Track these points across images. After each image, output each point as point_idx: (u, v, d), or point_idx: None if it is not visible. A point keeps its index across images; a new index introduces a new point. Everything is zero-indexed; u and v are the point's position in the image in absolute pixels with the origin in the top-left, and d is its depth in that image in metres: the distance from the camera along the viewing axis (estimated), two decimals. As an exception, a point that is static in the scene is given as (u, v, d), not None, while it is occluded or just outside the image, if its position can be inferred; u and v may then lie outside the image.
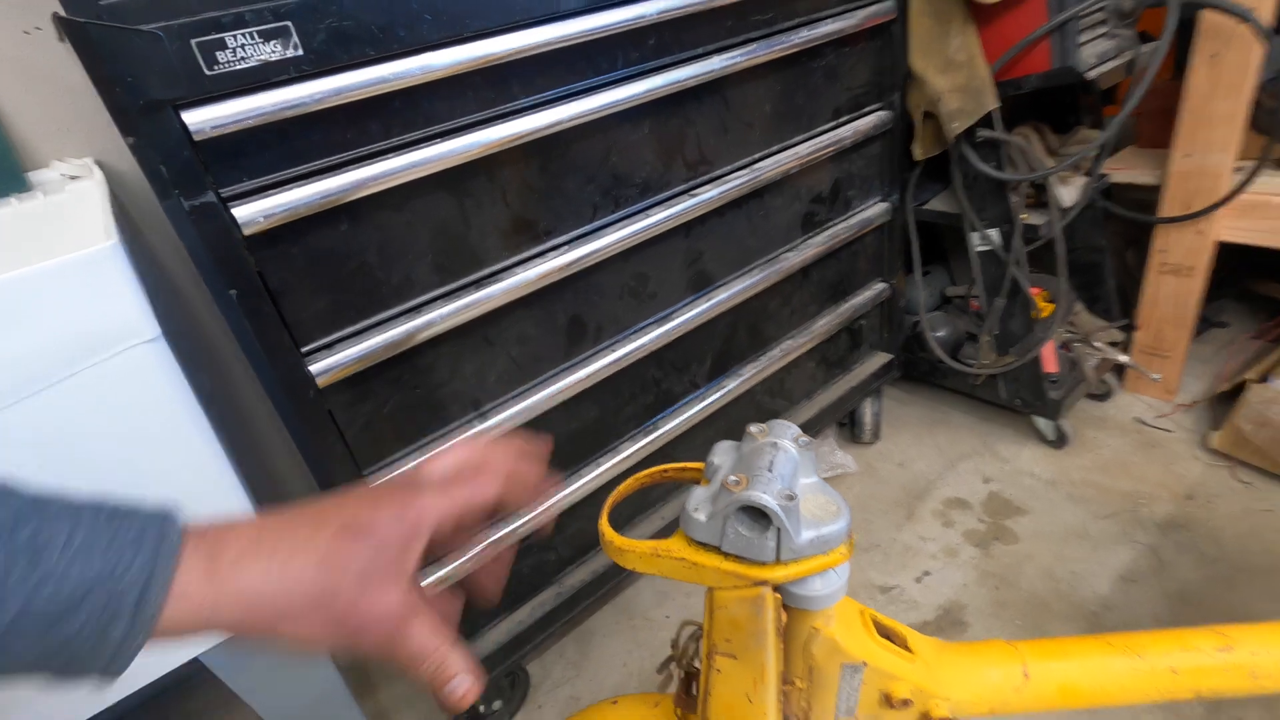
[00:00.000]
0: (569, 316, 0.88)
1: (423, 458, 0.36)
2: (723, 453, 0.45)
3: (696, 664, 0.56)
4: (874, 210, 1.22)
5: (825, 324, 1.23)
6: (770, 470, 0.41)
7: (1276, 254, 1.36)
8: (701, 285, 1.02)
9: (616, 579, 1.07)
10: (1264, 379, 1.22)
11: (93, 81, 0.52)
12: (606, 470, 0.99)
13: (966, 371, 1.35)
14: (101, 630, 0.25)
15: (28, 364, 0.48)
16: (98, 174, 0.85)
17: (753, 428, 0.45)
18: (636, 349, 0.95)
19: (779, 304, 1.15)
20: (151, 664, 0.61)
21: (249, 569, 0.28)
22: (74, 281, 0.48)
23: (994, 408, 1.47)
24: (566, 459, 0.96)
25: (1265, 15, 1.05)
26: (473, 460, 0.38)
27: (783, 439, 0.44)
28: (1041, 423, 1.36)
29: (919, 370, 1.48)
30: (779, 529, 0.39)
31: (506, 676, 1.04)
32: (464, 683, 0.32)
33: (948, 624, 1.07)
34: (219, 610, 0.27)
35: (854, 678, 0.47)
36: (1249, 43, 1.08)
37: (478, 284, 0.78)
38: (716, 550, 0.41)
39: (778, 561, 0.40)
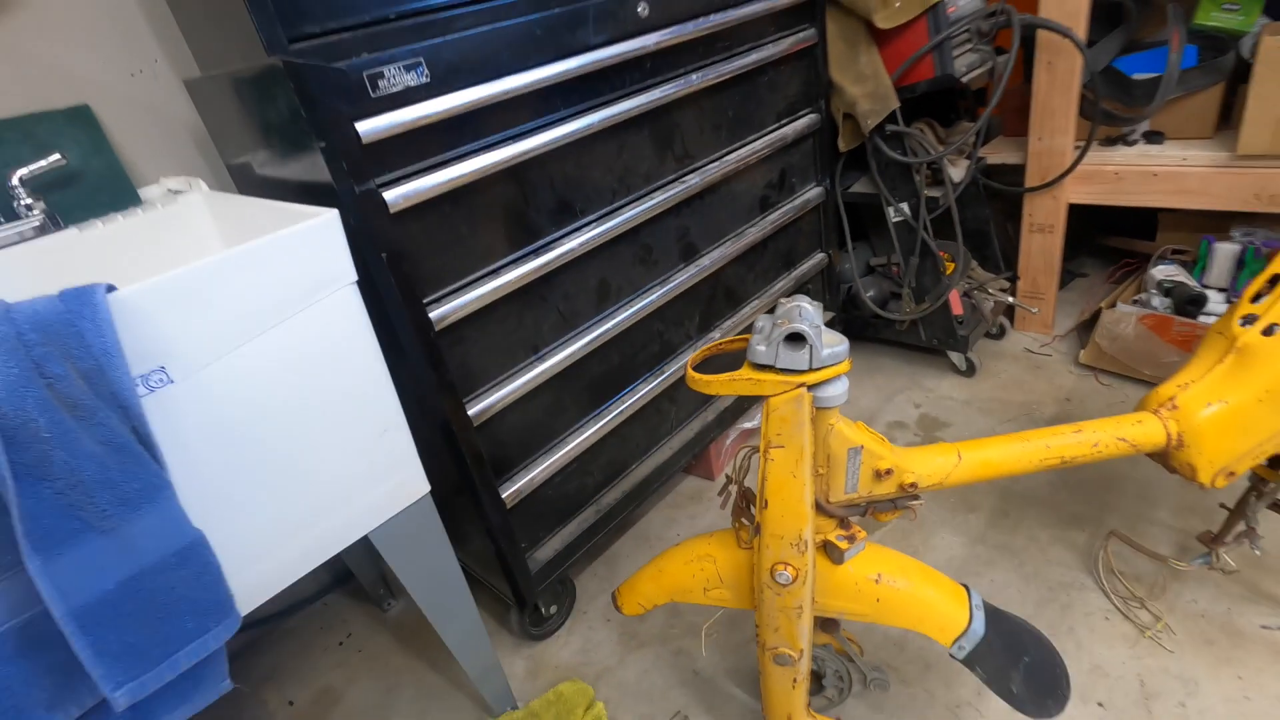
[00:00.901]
0: (598, 279, 1.13)
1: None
2: (763, 318, 0.71)
3: (747, 483, 0.82)
4: (812, 193, 1.53)
5: (781, 287, 1.51)
6: (800, 315, 0.67)
7: (1116, 213, 1.75)
8: (690, 255, 1.28)
9: (639, 501, 1.30)
10: (1113, 306, 1.59)
11: (300, 102, 0.73)
12: (628, 407, 1.23)
13: (894, 319, 1.67)
14: None
15: (286, 292, 0.68)
16: (203, 187, 1.04)
17: (782, 299, 0.71)
18: (646, 305, 1.20)
19: (746, 270, 1.43)
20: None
21: None
22: (316, 237, 0.69)
23: (917, 351, 1.80)
24: (599, 397, 1.20)
25: (1081, 32, 1.43)
26: None
27: (802, 301, 0.70)
28: (954, 356, 1.69)
29: (855, 327, 1.79)
30: (811, 346, 0.65)
31: (560, 584, 1.25)
32: None
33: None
34: None
35: (856, 459, 0.74)
36: (1073, 53, 1.45)
37: (535, 252, 1.01)
38: (771, 368, 0.67)
39: (810, 370, 0.66)
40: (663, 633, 1.21)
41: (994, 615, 0.80)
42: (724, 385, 0.69)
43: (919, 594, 0.79)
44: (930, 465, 0.77)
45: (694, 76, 1.16)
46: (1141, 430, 0.82)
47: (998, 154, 1.72)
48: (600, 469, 1.25)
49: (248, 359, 0.68)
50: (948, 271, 1.61)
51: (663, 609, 1.25)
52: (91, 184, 0.99)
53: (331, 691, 1.24)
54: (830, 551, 0.78)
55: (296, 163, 0.84)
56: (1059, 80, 1.50)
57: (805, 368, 0.66)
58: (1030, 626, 0.82)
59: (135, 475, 0.58)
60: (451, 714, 1.15)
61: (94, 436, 0.56)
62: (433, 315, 0.90)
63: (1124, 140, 1.58)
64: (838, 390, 0.69)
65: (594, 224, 1.08)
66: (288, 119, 0.79)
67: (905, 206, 1.55)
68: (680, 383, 1.33)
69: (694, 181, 1.22)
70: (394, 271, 0.84)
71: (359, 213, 0.80)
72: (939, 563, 1.23)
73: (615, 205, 1.12)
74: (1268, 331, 0.80)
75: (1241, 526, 0.98)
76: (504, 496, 1.05)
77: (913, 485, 0.75)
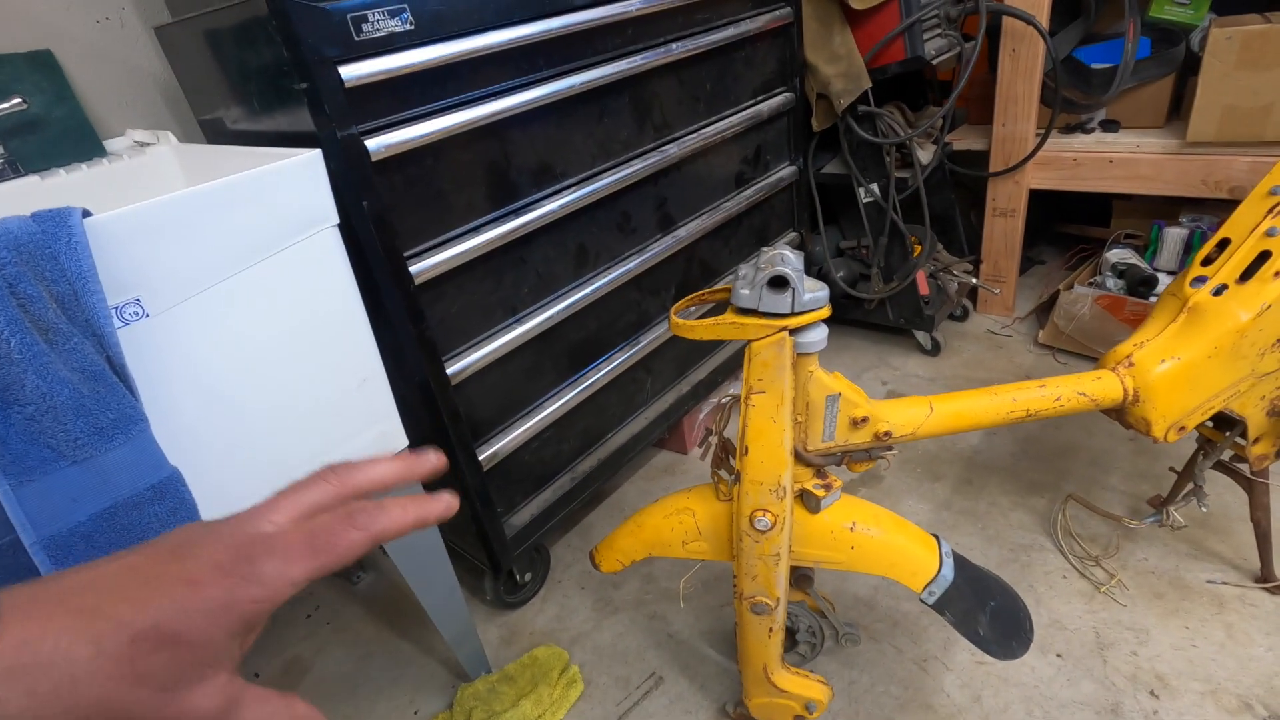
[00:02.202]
0: (577, 244, 1.13)
1: (276, 500, 0.31)
2: (746, 265, 0.72)
3: (727, 434, 0.83)
4: (785, 171, 1.56)
5: (755, 263, 1.53)
6: (783, 261, 0.69)
7: (1073, 201, 1.81)
8: (667, 225, 1.29)
9: (614, 470, 1.31)
10: (1070, 288, 1.66)
11: (283, 41, 0.72)
12: (605, 374, 1.23)
13: (863, 299, 1.71)
14: None
15: (266, 230, 0.67)
16: (172, 140, 1.01)
17: (764, 248, 0.73)
18: (624, 273, 1.21)
19: (721, 244, 1.44)
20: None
21: (14, 683, 0.22)
22: (298, 175, 0.68)
23: (885, 331, 1.84)
24: (576, 363, 1.20)
25: (1044, 20, 1.48)
26: (339, 496, 0.31)
27: (784, 249, 0.71)
28: (920, 336, 1.74)
29: (825, 307, 1.82)
30: (793, 289, 0.67)
31: (536, 551, 1.25)
32: None
33: (869, 478, 1.40)
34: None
35: (833, 407, 0.76)
36: (1036, 40, 1.51)
37: (515, 212, 1.01)
38: (755, 312, 0.69)
39: (793, 313, 0.68)
40: (638, 598, 1.22)
41: (961, 563, 0.83)
42: (708, 330, 0.70)
43: (892, 541, 0.81)
44: (904, 415, 0.80)
45: (674, 46, 1.17)
46: (1101, 386, 0.86)
47: (964, 140, 1.77)
48: (577, 436, 1.25)
49: (225, 297, 0.66)
50: (915, 253, 1.66)
51: (638, 574, 1.26)
52: (54, 132, 0.96)
53: (300, 662, 1.22)
54: (807, 500, 0.80)
55: (276, 110, 0.82)
56: (1022, 68, 1.55)
57: (788, 311, 0.68)
58: (994, 575, 0.85)
59: (109, 404, 0.57)
60: (425, 680, 1.14)
61: (68, 362, 0.55)
62: (413, 269, 0.89)
63: (1082, 128, 1.64)
64: (818, 336, 0.71)
65: (574, 187, 1.08)
66: (267, 61, 0.78)
67: (875, 188, 1.58)
68: (656, 353, 1.35)
69: (672, 152, 1.23)
70: (375, 221, 0.83)
71: (342, 159, 0.79)
72: (906, 528, 1.27)
73: (595, 170, 1.12)
74: (1216, 292, 0.84)
75: (1189, 486, 1.03)
76: (480, 459, 1.05)
77: (887, 434, 0.78)
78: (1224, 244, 0.87)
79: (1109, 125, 1.62)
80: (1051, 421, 1.45)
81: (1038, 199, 1.73)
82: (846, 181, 1.63)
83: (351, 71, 0.77)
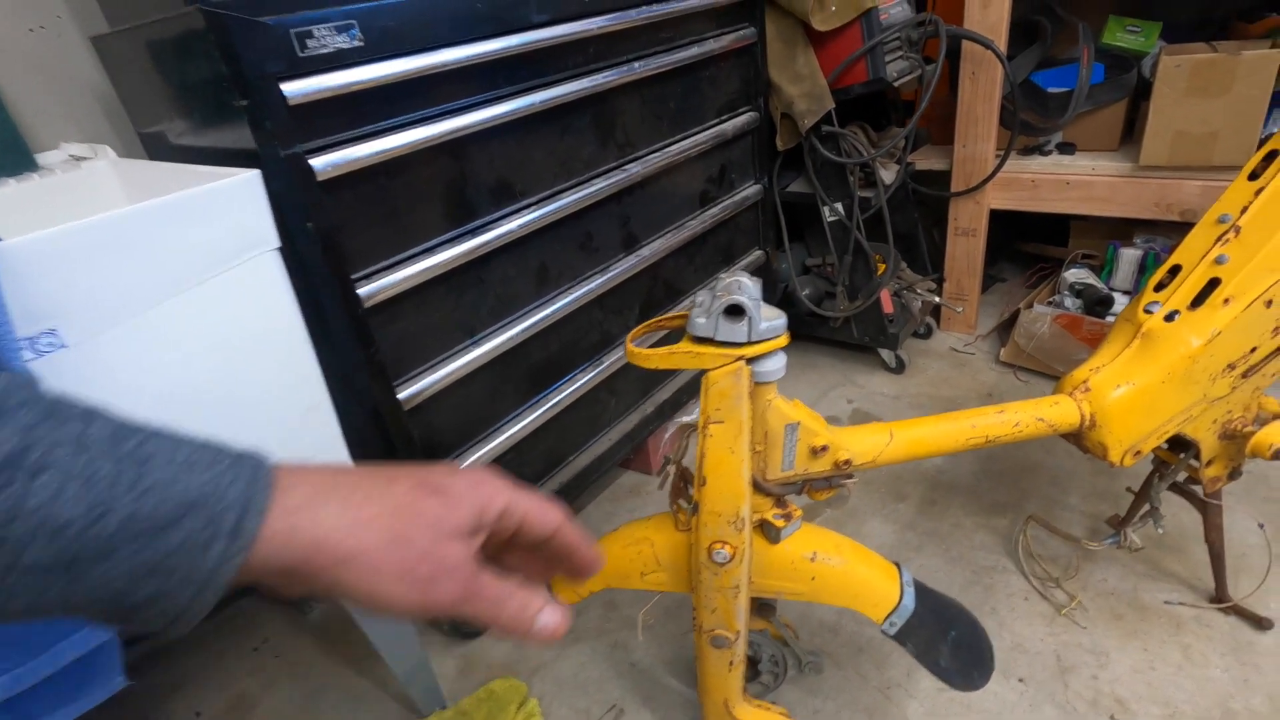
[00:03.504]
0: (538, 264, 1.11)
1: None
2: (704, 292, 0.70)
3: (685, 463, 0.81)
4: (750, 190, 1.55)
5: (721, 282, 1.53)
6: (740, 289, 0.67)
7: (1032, 220, 1.85)
8: (631, 244, 1.28)
9: (578, 493, 1.28)
10: (1030, 307, 1.68)
11: (221, 57, 0.69)
12: (567, 396, 1.21)
13: (828, 316, 1.72)
14: (201, 548, 0.24)
15: (199, 255, 0.64)
16: (110, 154, 0.96)
17: (721, 274, 0.71)
18: (586, 293, 1.19)
19: (685, 263, 1.43)
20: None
21: (320, 508, 0.27)
22: (234, 197, 0.65)
23: (850, 349, 1.85)
24: (537, 385, 1.17)
25: (1002, 45, 1.50)
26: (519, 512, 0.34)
27: (741, 276, 0.70)
28: (885, 354, 1.75)
29: (792, 325, 1.82)
30: (750, 318, 0.65)
31: (493, 579, 1.21)
32: (552, 615, 0.32)
33: (834, 500, 1.39)
34: (282, 548, 0.26)
35: (793, 436, 0.74)
36: (994, 64, 1.53)
37: (473, 232, 0.99)
38: (711, 341, 0.67)
39: (749, 342, 0.66)
40: (599, 626, 1.19)
41: (923, 592, 0.82)
42: (664, 359, 0.68)
43: (853, 571, 0.80)
44: (864, 443, 0.79)
45: (636, 65, 1.16)
46: (1058, 411, 0.86)
47: (926, 160, 1.80)
48: (539, 459, 1.22)
49: (154, 325, 0.63)
50: (879, 272, 1.67)
51: (600, 602, 1.23)
52: (-21, 145, 0.91)
53: (246, 698, 1.16)
54: (767, 530, 0.78)
55: (216, 126, 0.79)
56: (982, 90, 1.57)
57: (744, 340, 0.66)
58: (956, 602, 0.85)
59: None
60: (378, 717, 1.09)
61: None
62: (362, 291, 0.86)
63: (1040, 150, 1.67)
64: (776, 365, 0.70)
65: (534, 206, 1.06)
66: (207, 76, 0.74)
67: (839, 206, 1.59)
68: (620, 374, 1.32)
69: (635, 170, 1.21)
70: (321, 243, 0.80)
71: (284, 179, 0.76)
72: (872, 549, 1.26)
73: (556, 189, 1.10)
74: (1169, 318, 0.85)
75: (1146, 507, 1.04)
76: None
77: (847, 463, 0.76)
78: (1176, 270, 0.88)
79: (1066, 148, 1.65)
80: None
81: (998, 218, 1.75)
82: (811, 200, 1.63)
83: (295, 88, 0.74)
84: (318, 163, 0.78)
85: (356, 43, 0.78)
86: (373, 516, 0.28)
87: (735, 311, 0.66)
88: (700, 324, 0.67)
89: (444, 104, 0.90)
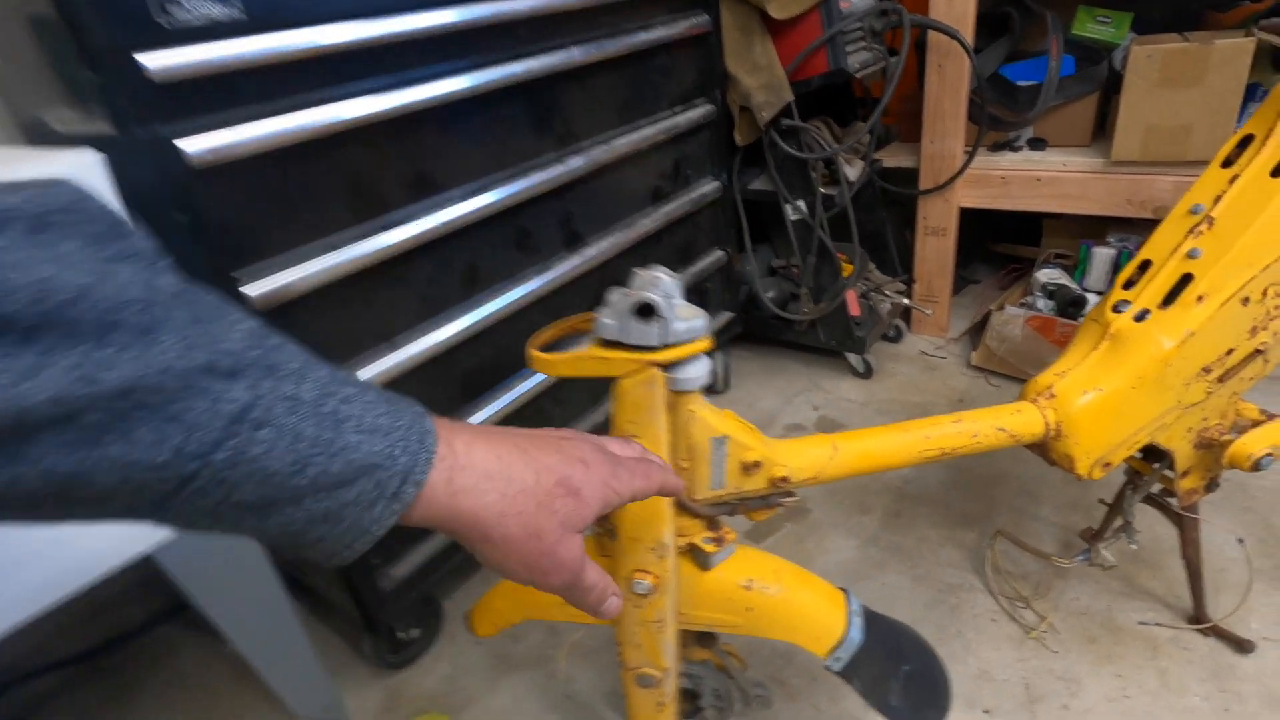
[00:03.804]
0: (466, 263, 1.02)
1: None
2: (616, 290, 0.62)
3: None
4: (708, 188, 1.48)
5: (677, 283, 1.45)
6: (654, 285, 0.59)
7: (1004, 220, 1.78)
8: (574, 242, 1.20)
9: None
10: (1002, 309, 1.61)
11: (67, 25, 0.61)
12: (504, 406, 1.12)
13: (793, 319, 1.64)
14: (368, 505, 0.28)
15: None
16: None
17: (637, 269, 0.63)
18: (523, 294, 1.10)
19: (639, 263, 1.34)
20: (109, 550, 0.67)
21: (483, 495, 0.31)
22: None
23: (817, 353, 1.77)
24: (469, 394, 1.09)
25: (969, 36, 1.44)
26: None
27: (659, 271, 0.62)
28: (852, 358, 1.67)
29: (757, 329, 1.75)
30: (663, 319, 0.57)
31: (425, 604, 1.13)
32: (616, 602, 0.38)
33: (795, 512, 1.31)
34: (447, 516, 0.31)
35: (720, 450, 0.66)
36: (961, 56, 1.47)
37: (386, 227, 0.90)
38: (620, 345, 0.59)
39: (663, 346, 0.58)
40: (540, 653, 1.10)
41: (873, 621, 0.74)
42: (568, 365, 0.60)
43: (793, 601, 0.72)
44: (804, 458, 0.71)
45: (575, 51, 1.08)
46: (1020, 420, 0.79)
47: (894, 158, 1.73)
48: (472, 474, 1.13)
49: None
50: (845, 273, 1.60)
51: (541, 626, 1.14)
52: None
53: (150, 737, 1.07)
54: (696, 556, 0.70)
55: (78, 106, 0.70)
56: (948, 83, 1.51)
57: (657, 343, 0.58)
58: (910, 631, 0.77)
59: None
60: (290, 757, 1.00)
61: None
62: (249, 290, 0.77)
63: (1010, 146, 1.61)
64: (697, 371, 0.62)
65: (460, 200, 0.98)
66: (62, 49, 0.66)
67: (802, 204, 1.52)
68: (565, 383, 1.24)
69: (577, 164, 1.13)
70: (193, 236, 0.71)
71: (148, 163, 0.67)
72: (832, 566, 1.18)
73: (485, 182, 1.02)
74: (1139, 318, 0.78)
75: (1119, 521, 0.97)
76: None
77: (783, 480, 0.69)
78: (1146, 266, 0.81)
79: (1036, 144, 1.59)
80: (983, 448, 1.39)
81: (970, 218, 1.69)
82: (775, 199, 1.56)
83: (157, 61, 0.65)
84: (190, 146, 0.69)
85: (236, 13, 0.70)
86: (520, 510, 0.32)
87: (646, 311, 0.58)
88: (607, 325, 0.59)
89: (345, 84, 0.81)
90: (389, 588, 1.01)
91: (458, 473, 0.31)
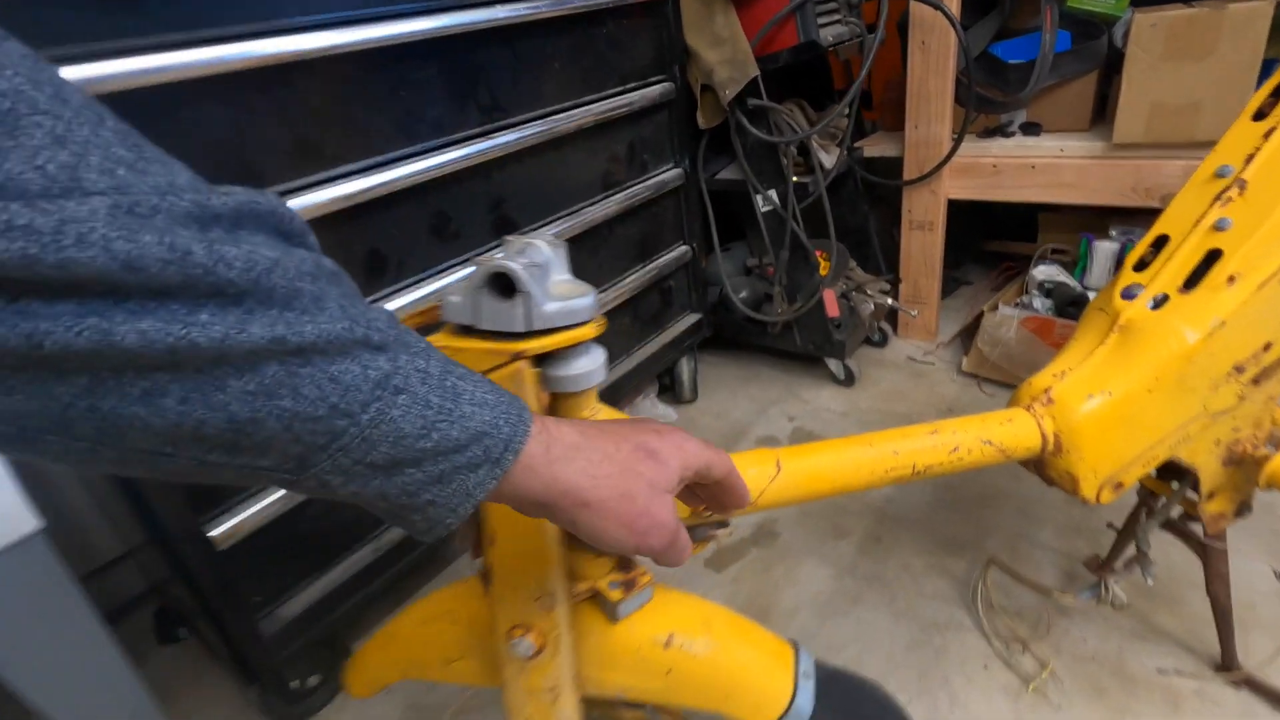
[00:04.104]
0: (367, 249, 0.88)
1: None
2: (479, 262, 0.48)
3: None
4: (669, 175, 1.34)
5: (635, 280, 1.31)
6: (522, 253, 0.45)
7: (998, 216, 1.65)
8: (505, 229, 1.06)
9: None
10: (995, 309, 1.47)
11: None
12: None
13: (766, 320, 1.50)
14: (473, 469, 0.31)
15: None
16: None
17: (511, 236, 0.49)
18: (443, 288, 0.96)
19: (586, 256, 1.21)
20: None
21: (572, 462, 0.34)
22: None
23: (795, 360, 1.63)
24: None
25: (954, 8, 1.31)
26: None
27: (537, 238, 0.48)
28: (832, 364, 1.53)
29: (729, 332, 1.61)
30: (526, 295, 0.43)
31: (326, 647, 0.97)
32: (689, 553, 0.39)
33: (763, 536, 1.16)
34: (543, 487, 0.33)
35: (625, 470, 0.52)
36: (947, 31, 1.34)
37: (259, 204, 0.76)
38: (474, 331, 0.44)
39: (530, 332, 0.44)
40: (461, 701, 0.95)
41: (828, 682, 0.59)
42: (408, 358, 0.46)
43: (725, 660, 0.57)
44: (738, 479, 0.56)
45: (499, 10, 0.94)
46: (1011, 431, 0.64)
47: (876, 146, 1.60)
48: (383, 495, 0.98)
49: None
50: (822, 270, 1.46)
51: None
52: None
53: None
54: (602, 605, 0.55)
55: None
56: (934, 62, 1.38)
57: (521, 329, 0.44)
58: (877, 692, 0.62)
59: None
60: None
61: None
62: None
63: (1002, 132, 1.47)
64: (585, 366, 0.47)
65: (355, 176, 0.84)
66: None
67: (774, 194, 1.38)
68: (502, 389, 1.09)
69: (508, 139, 1.00)
70: None
71: None
72: (802, 599, 1.03)
73: (390, 156, 0.88)
74: (1155, 304, 0.64)
75: (1132, 551, 0.82)
76: (213, 535, 0.77)
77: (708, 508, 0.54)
78: (1161, 243, 0.67)
79: (1030, 128, 1.46)
80: (975, 463, 1.24)
81: (961, 214, 1.55)
82: (744, 188, 1.42)
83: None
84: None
85: (20, -78, 0.56)
86: (608, 474, 0.35)
87: (504, 286, 0.43)
88: (454, 305, 0.44)
89: (200, 30, 0.68)
90: (274, 630, 0.86)
91: (554, 444, 0.34)
